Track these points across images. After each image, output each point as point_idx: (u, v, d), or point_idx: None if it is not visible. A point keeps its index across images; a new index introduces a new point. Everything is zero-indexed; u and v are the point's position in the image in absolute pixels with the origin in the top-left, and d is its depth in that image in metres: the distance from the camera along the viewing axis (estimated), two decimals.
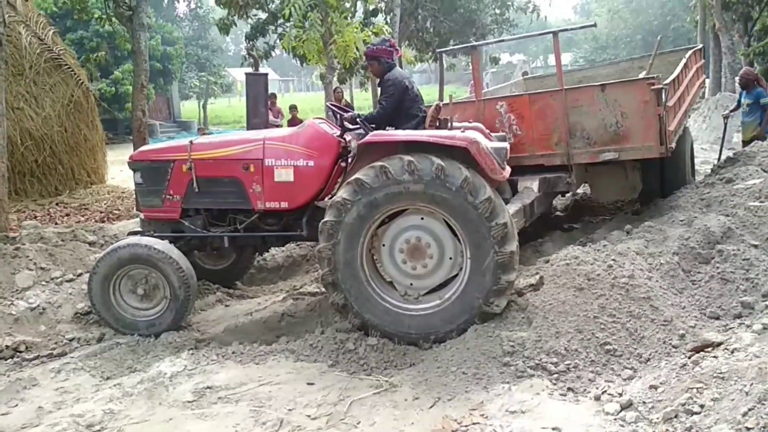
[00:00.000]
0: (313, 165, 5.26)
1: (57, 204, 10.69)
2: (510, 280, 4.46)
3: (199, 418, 3.83)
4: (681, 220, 5.54)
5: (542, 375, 3.85)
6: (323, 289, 5.10)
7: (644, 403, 3.39)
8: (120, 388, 4.28)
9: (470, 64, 10.35)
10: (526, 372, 3.89)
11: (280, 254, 7.62)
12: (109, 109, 20.08)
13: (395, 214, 4.68)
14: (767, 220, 5.14)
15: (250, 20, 16.61)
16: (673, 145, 6.29)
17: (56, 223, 9.21)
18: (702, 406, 3.11)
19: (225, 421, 3.76)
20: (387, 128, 5.35)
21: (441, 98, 7.18)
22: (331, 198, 5.08)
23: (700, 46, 9.81)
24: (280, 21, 15.04)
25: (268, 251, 7.24)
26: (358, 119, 5.39)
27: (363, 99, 33.54)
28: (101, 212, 10.21)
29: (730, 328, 4.04)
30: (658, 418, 3.20)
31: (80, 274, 6.21)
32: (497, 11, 24.90)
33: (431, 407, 3.74)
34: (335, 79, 15.35)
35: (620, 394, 3.55)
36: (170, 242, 5.48)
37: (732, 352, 3.58)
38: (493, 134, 5.81)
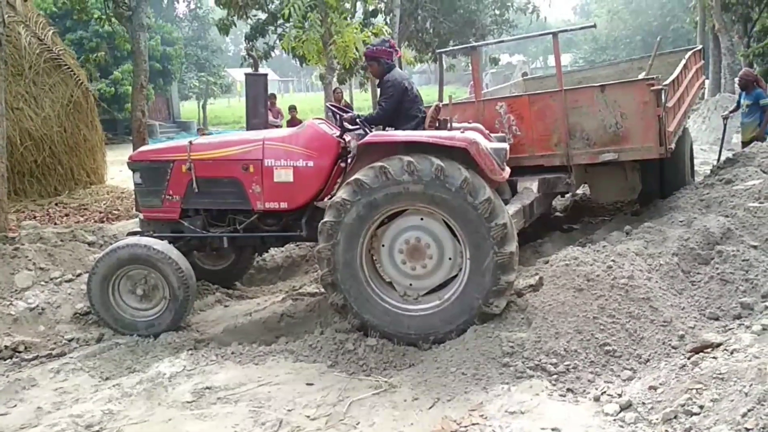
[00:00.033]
0: (312, 165, 5.26)
1: (56, 204, 10.69)
2: (509, 281, 4.46)
3: (198, 418, 3.82)
4: (680, 221, 5.54)
5: (542, 376, 3.85)
6: (323, 290, 5.10)
7: (644, 403, 3.39)
8: (119, 389, 4.27)
9: (470, 64, 10.35)
10: (525, 373, 3.89)
11: (280, 255, 7.61)
12: (108, 110, 20.07)
13: (395, 215, 4.68)
14: (767, 221, 5.14)
15: (249, 21, 16.61)
16: (673, 145, 6.29)
17: (55, 224, 9.21)
18: (701, 407, 3.11)
19: (224, 421, 3.75)
20: (386, 129, 5.35)
21: (441, 99, 7.18)
22: (330, 198, 5.08)
23: (700, 47, 9.81)
24: (280, 21, 15.04)
25: (267, 252, 7.25)
26: (357, 120, 5.39)
27: (363, 99, 33.54)
28: (100, 212, 10.21)
29: (730, 329, 4.04)
30: (657, 419, 3.20)
31: (79, 275, 6.21)
32: (497, 12, 24.92)
33: (430, 408, 3.74)
34: (335, 79, 15.35)
35: (620, 395, 3.55)
36: (169, 242, 5.47)
37: (731, 353, 3.58)
38: (492, 135, 5.81)
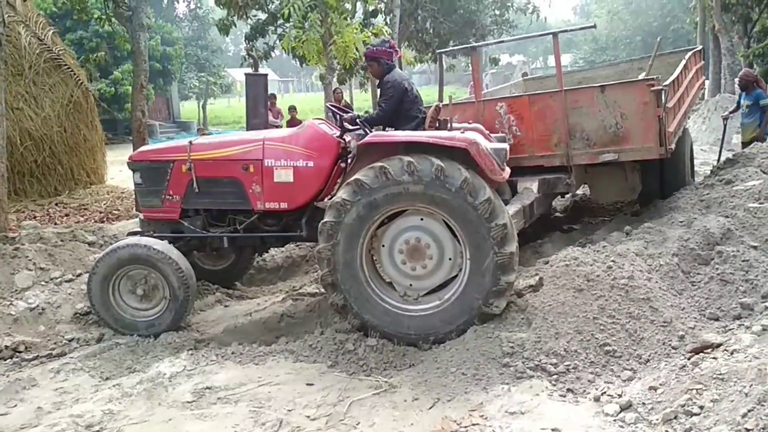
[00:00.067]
0: (312, 166, 5.26)
1: (56, 204, 10.69)
2: (509, 281, 4.46)
3: (199, 418, 3.82)
4: (680, 222, 5.54)
5: (542, 376, 3.85)
6: (323, 290, 5.10)
7: (644, 404, 3.39)
8: (119, 389, 4.27)
9: (470, 65, 10.35)
10: (525, 373, 3.89)
11: (280, 255, 7.62)
12: (108, 110, 20.07)
13: (395, 215, 4.68)
14: (767, 221, 5.15)
15: (249, 21, 16.61)
16: (673, 146, 6.30)
17: (56, 224, 9.21)
18: (701, 408, 3.11)
19: (224, 421, 3.75)
20: (386, 129, 5.35)
21: (441, 99, 7.18)
22: (330, 199, 5.08)
23: (700, 47, 9.82)
24: (280, 21, 15.04)
25: (267, 252, 7.25)
26: (357, 120, 5.39)
27: (363, 100, 33.55)
28: (101, 212, 10.21)
29: (730, 330, 4.04)
30: (657, 420, 3.20)
31: (80, 275, 6.21)
32: (497, 12, 24.93)
33: (431, 408, 3.74)
34: (335, 79, 15.36)
35: (620, 395, 3.55)
36: (170, 242, 5.47)
37: (731, 354, 3.58)
38: (492, 135, 5.81)
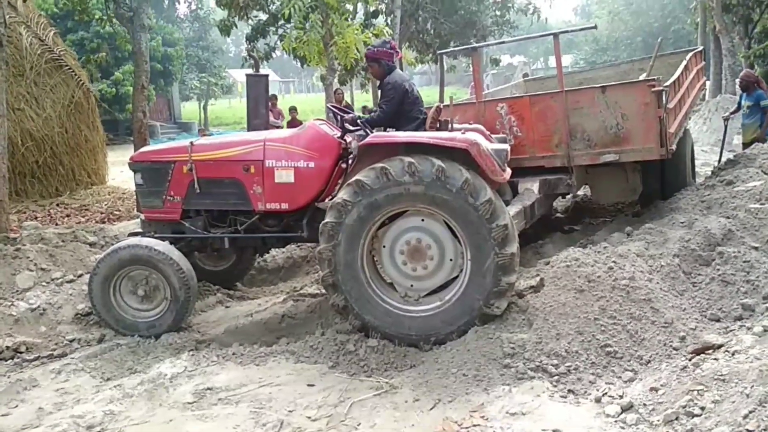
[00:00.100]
0: (313, 166, 5.27)
1: (57, 205, 10.71)
2: (510, 282, 4.46)
3: (200, 419, 3.82)
4: (681, 222, 5.54)
5: (543, 377, 3.85)
6: (324, 291, 5.10)
7: (645, 405, 3.39)
8: (120, 389, 4.27)
9: (471, 65, 10.35)
10: (526, 374, 3.89)
11: (281, 255, 7.62)
12: (109, 110, 20.10)
13: (396, 216, 4.68)
14: (767, 222, 5.14)
15: (250, 21, 16.61)
16: (674, 147, 6.30)
17: (57, 224, 9.22)
18: (703, 409, 3.11)
19: (225, 422, 3.75)
20: (387, 130, 5.35)
21: (441, 100, 7.18)
22: (331, 199, 5.08)
23: (701, 48, 9.82)
24: (281, 22, 15.03)
25: (268, 252, 7.24)
26: (358, 121, 5.39)
27: (364, 100, 33.50)
28: (102, 213, 10.22)
29: (731, 331, 4.03)
30: (658, 420, 3.20)
31: (81, 275, 6.21)
32: (498, 13, 24.92)
33: (431, 409, 3.74)
34: (336, 80, 15.36)
35: (621, 396, 3.55)
36: (171, 243, 5.47)
37: (733, 355, 3.57)
38: (493, 136, 5.80)
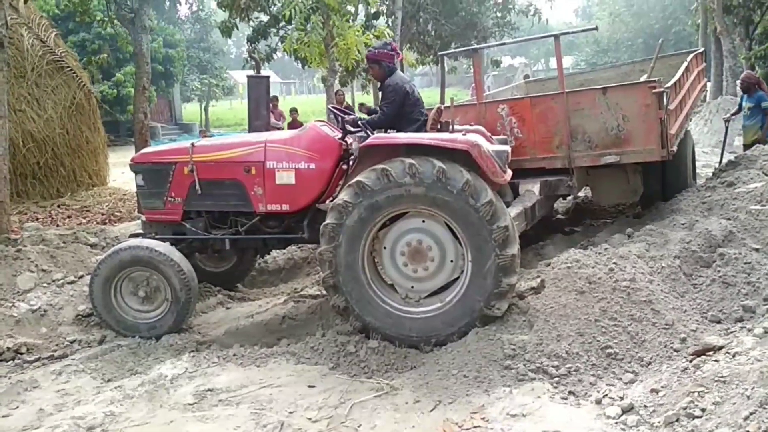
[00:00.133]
0: (314, 167, 5.27)
1: (58, 206, 10.72)
2: (511, 283, 4.46)
3: (200, 420, 3.82)
4: (682, 224, 5.54)
5: (543, 378, 3.84)
6: (324, 292, 5.11)
7: (645, 406, 3.39)
8: (121, 391, 4.28)
9: (471, 67, 10.36)
10: (527, 375, 3.88)
11: (281, 257, 7.62)
12: (110, 112, 20.12)
13: (396, 217, 4.68)
14: None
15: (251, 23, 16.62)
16: (675, 148, 6.29)
17: (58, 225, 9.22)
18: (703, 410, 3.11)
19: (225, 423, 3.75)
20: (388, 131, 5.36)
21: (442, 101, 7.18)
22: (332, 201, 5.08)
23: (702, 49, 9.83)
24: (282, 24, 15.03)
25: (269, 254, 7.25)
26: (359, 122, 5.40)
27: (365, 101, 33.57)
28: (103, 214, 10.22)
29: (732, 332, 4.03)
30: (659, 422, 3.20)
31: (81, 276, 6.21)
32: (498, 14, 24.93)
33: (432, 410, 3.74)
34: (337, 81, 15.37)
35: (621, 398, 3.55)
36: (172, 244, 5.48)
37: (733, 356, 3.57)
38: (494, 137, 5.81)
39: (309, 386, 4.16)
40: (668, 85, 6.29)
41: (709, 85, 18.44)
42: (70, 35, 23.05)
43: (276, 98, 15.08)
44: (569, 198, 8.07)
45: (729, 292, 4.45)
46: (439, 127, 5.52)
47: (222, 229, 5.74)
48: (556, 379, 3.83)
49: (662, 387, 3.49)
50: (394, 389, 4.01)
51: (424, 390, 3.94)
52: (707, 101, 18.47)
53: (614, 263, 4.55)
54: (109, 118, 19.64)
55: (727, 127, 9.85)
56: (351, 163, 5.30)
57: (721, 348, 3.76)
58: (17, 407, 4.20)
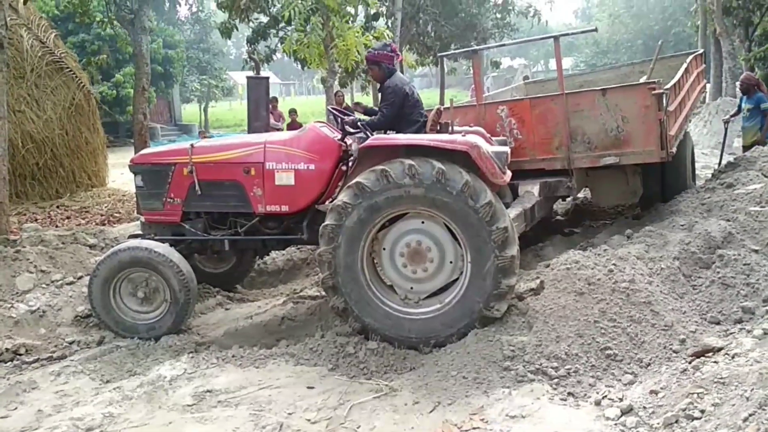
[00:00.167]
0: (314, 168, 5.27)
1: (58, 207, 10.71)
2: (510, 285, 4.46)
3: (199, 421, 3.82)
4: (682, 225, 5.54)
5: (543, 380, 3.84)
6: (323, 293, 5.10)
7: (645, 408, 3.39)
8: (120, 392, 4.27)
9: (471, 68, 10.36)
10: (526, 376, 3.88)
11: (281, 258, 7.62)
12: (110, 112, 20.13)
13: (396, 218, 4.68)
14: (767, 225, 5.15)
15: (251, 24, 16.63)
16: (674, 149, 6.30)
17: (57, 226, 9.22)
18: (703, 412, 3.10)
19: (225, 424, 3.75)
20: (388, 132, 5.36)
21: (442, 102, 7.18)
22: (331, 201, 5.08)
23: (701, 50, 9.84)
24: (282, 25, 15.04)
25: (268, 255, 7.25)
26: (359, 124, 5.40)
27: (365, 103, 33.56)
28: (102, 215, 10.22)
29: (731, 333, 4.03)
30: (658, 423, 3.19)
31: (80, 277, 6.21)
32: (498, 16, 24.93)
33: (431, 412, 3.73)
34: (336, 82, 15.37)
35: (621, 399, 3.54)
36: (171, 245, 5.48)
37: (733, 357, 3.57)
38: (493, 138, 5.81)
39: (308, 387, 4.15)
40: (668, 86, 6.29)
41: (708, 86, 18.48)
42: (69, 36, 23.06)
43: (275, 99, 15.08)
44: (568, 199, 8.07)
45: (728, 293, 4.45)
46: (438, 128, 5.52)
47: (221, 230, 5.74)
48: (556, 380, 3.82)
49: (661, 388, 3.49)
50: (393, 390, 4.01)
51: (424, 391, 3.94)
52: (707, 103, 18.48)
53: (613, 264, 4.55)
54: (109, 118, 19.65)
55: (726, 129, 9.86)
56: (350, 164, 5.30)
57: (720, 349, 3.76)
58: (16, 408, 4.20)
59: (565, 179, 6.32)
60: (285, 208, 5.38)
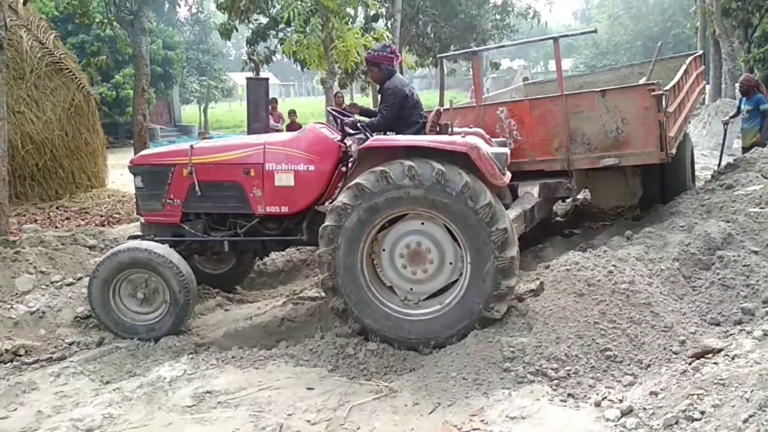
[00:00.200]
0: (313, 169, 5.27)
1: (57, 208, 10.71)
2: (510, 286, 4.46)
3: (199, 422, 3.82)
4: (681, 226, 5.54)
5: (542, 381, 3.84)
6: (323, 294, 5.10)
7: (645, 409, 3.39)
8: (119, 393, 4.27)
9: (471, 69, 10.36)
10: (526, 378, 3.88)
11: (281, 259, 7.62)
12: (109, 113, 20.14)
13: (395, 219, 4.67)
14: (767, 226, 5.14)
15: (251, 25, 16.64)
16: (674, 151, 6.30)
17: (56, 227, 9.22)
18: (702, 413, 3.10)
19: (224, 425, 3.75)
20: (388, 133, 5.36)
21: (441, 103, 7.19)
22: (331, 203, 5.08)
23: (701, 52, 9.84)
24: (281, 26, 15.05)
25: (268, 255, 7.25)
26: (359, 125, 5.40)
27: (364, 104, 33.56)
28: (101, 216, 10.22)
29: (731, 335, 4.03)
30: (658, 425, 3.19)
31: (80, 278, 6.21)
32: (498, 17, 24.94)
33: (431, 413, 3.73)
34: (336, 83, 15.38)
35: (621, 400, 3.54)
36: (170, 246, 5.47)
37: (732, 359, 3.57)
38: (493, 139, 5.81)
39: (308, 388, 4.15)
40: (667, 87, 6.30)
41: (707, 87, 18.51)
42: (69, 37, 23.07)
43: (275, 100, 15.08)
44: (568, 200, 8.08)
45: (728, 294, 4.45)
46: (438, 129, 5.52)
47: (221, 231, 5.73)
48: (555, 381, 3.82)
49: (661, 389, 3.49)
50: (393, 391, 4.01)
51: (423, 392, 3.94)
52: (706, 104, 18.49)
53: (613, 266, 4.55)
54: (108, 119, 19.67)
55: (725, 130, 9.87)
56: (350, 165, 5.29)
57: (720, 350, 3.76)
58: (15, 409, 4.19)
59: (565, 180, 6.33)
60: (285, 209, 5.38)
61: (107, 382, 4.58)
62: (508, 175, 5.25)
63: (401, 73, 7.01)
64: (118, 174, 13.08)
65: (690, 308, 4.42)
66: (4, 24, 6.86)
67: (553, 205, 7.53)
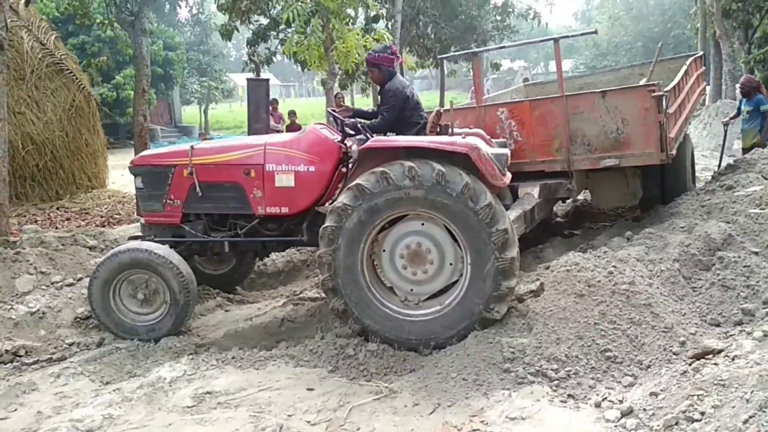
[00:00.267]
0: (314, 170, 5.27)
1: (58, 208, 10.72)
2: (510, 286, 4.46)
3: (199, 423, 3.82)
4: (681, 227, 5.54)
5: (542, 381, 3.84)
6: (323, 295, 5.10)
7: (645, 410, 3.39)
8: (119, 393, 4.27)
9: (471, 70, 10.37)
10: (526, 378, 3.88)
11: (281, 259, 7.62)
12: (110, 114, 20.14)
13: (396, 220, 4.67)
14: (767, 227, 5.14)
15: (251, 26, 16.64)
16: (674, 151, 6.30)
17: (57, 228, 9.22)
18: (702, 414, 3.10)
19: (224, 426, 3.75)
20: (388, 134, 5.36)
21: (442, 104, 7.20)
22: (331, 203, 5.08)
23: (701, 53, 9.84)
24: (282, 27, 15.05)
25: (268, 256, 7.25)
26: (359, 126, 5.40)
27: (364, 105, 33.59)
28: (102, 217, 10.23)
29: (731, 335, 4.03)
30: (658, 426, 3.19)
31: (80, 279, 6.21)
32: (498, 18, 24.92)
33: (431, 413, 3.73)
34: (336, 84, 15.38)
35: (621, 401, 3.54)
36: (171, 247, 5.47)
37: (733, 360, 3.57)
38: (493, 140, 5.82)
39: (308, 389, 4.15)
40: (667, 88, 6.30)
41: (708, 88, 18.50)
42: (69, 38, 23.07)
43: (275, 101, 15.09)
44: (568, 201, 8.09)
45: (728, 295, 4.45)
46: (438, 130, 5.52)
47: (221, 231, 5.73)
48: (556, 382, 3.82)
49: (661, 390, 3.49)
50: (393, 392, 4.01)
51: (423, 393, 3.94)
52: (706, 105, 18.49)
53: (613, 266, 4.55)
54: (109, 120, 19.66)
55: (726, 131, 9.87)
56: (350, 165, 5.30)
57: (720, 351, 3.76)
58: (15, 410, 4.20)
59: (565, 181, 6.33)
60: (285, 210, 5.38)
61: (107, 383, 4.58)
62: (509, 175, 5.25)
63: (401, 74, 7.02)
64: (119, 175, 13.09)
65: (690, 309, 4.42)
66: (5, 25, 6.87)
67: (554, 205, 7.53)
